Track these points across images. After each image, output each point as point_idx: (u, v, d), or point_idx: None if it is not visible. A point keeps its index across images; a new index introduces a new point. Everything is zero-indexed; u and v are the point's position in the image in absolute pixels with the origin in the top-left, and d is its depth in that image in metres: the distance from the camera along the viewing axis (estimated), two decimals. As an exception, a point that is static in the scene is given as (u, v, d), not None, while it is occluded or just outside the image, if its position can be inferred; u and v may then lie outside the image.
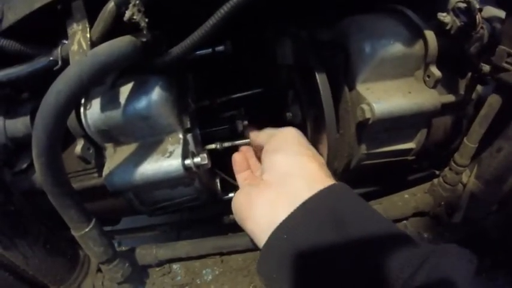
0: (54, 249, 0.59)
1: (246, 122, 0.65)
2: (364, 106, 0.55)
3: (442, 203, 0.65)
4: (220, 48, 0.61)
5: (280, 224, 0.32)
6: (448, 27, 0.57)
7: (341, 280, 0.29)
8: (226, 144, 0.61)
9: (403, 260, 0.28)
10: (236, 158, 0.47)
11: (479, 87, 0.65)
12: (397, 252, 0.29)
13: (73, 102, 0.43)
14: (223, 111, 0.68)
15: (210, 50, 0.60)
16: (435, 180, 0.67)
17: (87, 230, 0.53)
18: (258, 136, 0.48)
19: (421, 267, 0.27)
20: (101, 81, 0.51)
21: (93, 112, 0.54)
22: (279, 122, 0.67)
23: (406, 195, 0.70)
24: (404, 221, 0.70)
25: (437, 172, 0.72)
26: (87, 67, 0.42)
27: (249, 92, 0.67)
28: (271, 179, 0.38)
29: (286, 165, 0.38)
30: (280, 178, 0.37)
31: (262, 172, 0.40)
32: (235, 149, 0.62)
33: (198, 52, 0.60)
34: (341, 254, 0.30)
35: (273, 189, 0.37)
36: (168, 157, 0.54)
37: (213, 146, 0.62)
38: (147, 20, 0.47)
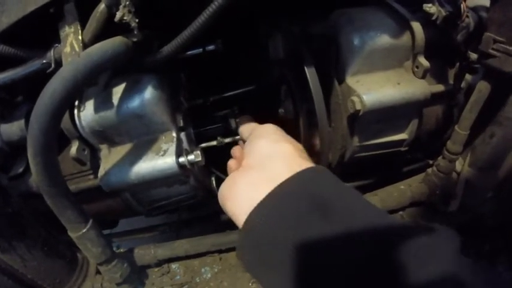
0: (53, 252, 0.59)
1: (239, 120, 0.66)
2: (354, 98, 0.56)
3: (437, 191, 0.65)
4: (211, 47, 0.61)
5: (258, 204, 0.32)
6: (434, 18, 0.58)
7: (326, 269, 0.28)
8: (227, 140, 0.62)
9: (404, 245, 0.27)
10: (231, 165, 0.48)
11: (468, 77, 0.66)
12: (389, 235, 0.28)
13: (68, 101, 0.43)
14: (216, 109, 0.69)
15: (200, 49, 0.61)
16: (429, 170, 0.67)
17: (84, 230, 0.53)
18: (243, 129, 0.50)
19: (427, 254, 0.26)
20: (95, 81, 0.51)
21: (87, 113, 0.54)
22: (272, 118, 0.68)
23: (402, 186, 0.70)
24: (401, 212, 0.70)
25: (431, 162, 0.72)
26: (81, 66, 0.43)
27: (242, 90, 0.68)
28: (252, 162, 0.39)
29: (266, 149, 0.39)
30: (261, 160, 0.38)
31: (244, 158, 0.41)
32: (230, 147, 0.63)
33: (189, 52, 0.61)
34: (324, 239, 0.29)
35: (253, 171, 0.37)
36: (163, 155, 0.55)
37: (214, 142, 0.62)
38: (137, 20, 0.48)
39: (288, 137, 0.43)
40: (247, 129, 0.49)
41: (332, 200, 0.32)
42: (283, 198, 0.32)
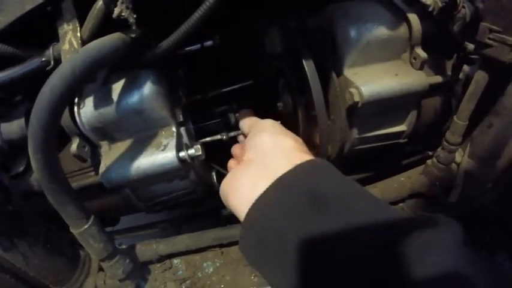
0: (55, 249, 0.59)
1: (238, 115, 0.66)
2: (353, 90, 0.56)
3: (437, 183, 0.66)
4: (209, 43, 0.62)
5: (257, 199, 0.33)
6: (430, 9, 0.58)
7: (320, 267, 0.28)
8: (232, 134, 0.62)
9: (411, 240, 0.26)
10: (232, 165, 0.49)
11: (466, 67, 0.66)
12: (389, 229, 0.28)
13: (67, 97, 0.44)
14: (215, 105, 0.69)
15: (199, 45, 0.61)
16: (429, 161, 0.67)
17: (86, 227, 0.54)
18: (243, 124, 0.50)
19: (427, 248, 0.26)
20: (93, 76, 0.52)
21: (86, 110, 0.55)
22: (270, 112, 0.68)
23: (402, 178, 0.70)
24: (401, 203, 0.71)
25: (430, 153, 0.72)
26: (79, 62, 0.43)
27: (240, 85, 0.68)
28: (253, 157, 0.39)
29: (267, 143, 0.40)
30: (261, 155, 0.38)
31: (245, 152, 0.41)
32: (231, 142, 0.63)
33: (187, 48, 0.61)
34: (320, 236, 0.29)
35: (254, 166, 0.38)
36: (163, 150, 0.55)
37: (218, 136, 0.63)
38: (135, 16, 0.48)
39: (288, 131, 0.43)
40: (248, 123, 0.49)
41: (329, 194, 0.31)
42: (281, 192, 0.32)
